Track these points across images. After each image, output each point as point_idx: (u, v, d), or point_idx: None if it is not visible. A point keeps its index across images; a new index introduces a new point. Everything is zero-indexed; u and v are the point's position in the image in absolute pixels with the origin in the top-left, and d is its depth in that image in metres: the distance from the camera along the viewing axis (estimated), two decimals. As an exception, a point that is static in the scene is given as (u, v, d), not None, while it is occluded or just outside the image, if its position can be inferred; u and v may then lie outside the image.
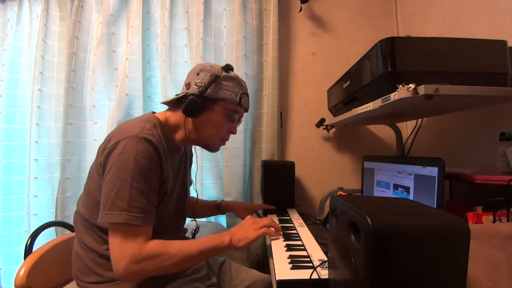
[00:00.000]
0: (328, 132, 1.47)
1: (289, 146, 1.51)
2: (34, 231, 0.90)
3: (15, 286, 0.69)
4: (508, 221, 0.69)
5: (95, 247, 0.71)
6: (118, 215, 0.63)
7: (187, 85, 0.81)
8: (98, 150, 0.74)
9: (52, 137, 1.40)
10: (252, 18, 1.41)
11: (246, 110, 0.88)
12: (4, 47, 1.46)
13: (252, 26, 1.41)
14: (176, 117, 0.82)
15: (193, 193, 1.40)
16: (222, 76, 0.78)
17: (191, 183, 1.13)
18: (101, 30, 1.38)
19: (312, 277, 0.58)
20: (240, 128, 1.36)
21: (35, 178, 1.36)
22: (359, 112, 0.90)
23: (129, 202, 0.63)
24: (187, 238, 0.96)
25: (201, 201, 1.22)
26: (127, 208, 0.63)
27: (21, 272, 0.71)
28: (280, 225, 0.97)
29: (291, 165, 1.24)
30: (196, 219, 1.30)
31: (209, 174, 1.40)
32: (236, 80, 0.81)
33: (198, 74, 0.79)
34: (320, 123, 1.42)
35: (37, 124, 1.36)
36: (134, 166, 0.65)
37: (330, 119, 1.36)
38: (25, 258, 0.78)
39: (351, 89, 0.99)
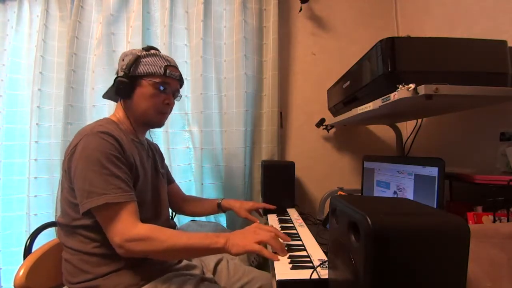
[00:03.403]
0: (328, 132, 1.47)
1: (289, 146, 1.51)
2: (34, 231, 0.90)
3: (14, 286, 0.69)
4: (508, 221, 0.69)
5: (82, 248, 0.73)
6: (99, 199, 0.66)
7: (116, 73, 0.86)
8: (62, 164, 0.78)
9: (52, 137, 1.39)
10: (252, 18, 1.41)
11: (181, 83, 0.92)
12: (4, 47, 1.46)
13: (252, 26, 1.41)
14: (119, 110, 0.87)
15: (190, 193, 1.41)
16: (142, 55, 0.84)
17: (173, 180, 1.14)
18: (101, 30, 1.38)
19: (312, 277, 0.58)
20: (240, 128, 1.38)
21: (35, 178, 1.35)
22: (359, 112, 0.90)
23: (105, 187, 0.67)
24: None
25: (201, 199, 1.22)
26: (104, 191, 0.67)
27: (21, 273, 0.71)
28: (280, 225, 0.97)
29: (291, 165, 1.24)
30: (195, 219, 1.31)
31: (209, 174, 1.40)
32: (158, 56, 0.86)
33: (123, 60, 0.84)
34: (320, 123, 1.42)
35: (37, 124, 1.36)
36: (99, 156, 0.68)
37: (330, 119, 1.36)
38: (24, 258, 0.78)
39: (351, 89, 0.99)
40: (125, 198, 0.69)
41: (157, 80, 0.83)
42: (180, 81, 0.91)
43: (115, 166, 0.70)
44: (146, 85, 0.83)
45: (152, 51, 0.86)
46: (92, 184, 0.67)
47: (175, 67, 0.88)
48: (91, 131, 0.72)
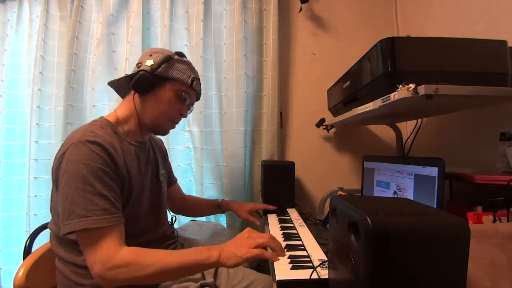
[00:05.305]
0: (328, 132, 1.47)
1: (289, 146, 1.51)
2: (33, 231, 0.90)
3: (14, 286, 0.69)
4: (508, 221, 0.69)
5: (73, 259, 0.70)
6: (78, 223, 0.61)
7: (138, 64, 0.81)
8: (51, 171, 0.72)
9: (52, 137, 1.39)
10: (252, 18, 1.41)
11: (198, 97, 0.91)
12: (4, 47, 1.46)
13: (252, 26, 1.41)
14: (126, 106, 0.82)
15: (190, 193, 1.41)
16: (175, 58, 0.82)
17: (175, 180, 1.12)
18: (101, 30, 1.38)
19: (312, 277, 0.58)
20: (240, 128, 1.38)
21: (35, 178, 1.35)
22: (359, 112, 0.90)
23: (86, 207, 0.62)
24: (173, 236, 0.94)
25: (201, 200, 1.22)
26: (85, 213, 0.61)
27: (20, 273, 0.71)
28: (280, 225, 0.97)
29: (291, 165, 1.24)
30: (195, 218, 1.31)
31: (209, 174, 1.40)
32: (189, 64, 0.85)
33: (151, 55, 0.81)
34: (320, 123, 1.42)
35: (37, 124, 1.36)
36: (84, 171, 0.63)
37: (330, 119, 1.36)
38: (24, 259, 0.78)
39: (351, 89, 0.99)
40: (108, 222, 0.63)
41: (181, 88, 0.82)
42: (199, 95, 0.90)
43: (101, 183, 0.64)
44: (169, 89, 0.80)
45: (184, 59, 0.85)
46: (74, 202, 0.62)
47: (199, 81, 0.87)
48: (79, 140, 0.66)
